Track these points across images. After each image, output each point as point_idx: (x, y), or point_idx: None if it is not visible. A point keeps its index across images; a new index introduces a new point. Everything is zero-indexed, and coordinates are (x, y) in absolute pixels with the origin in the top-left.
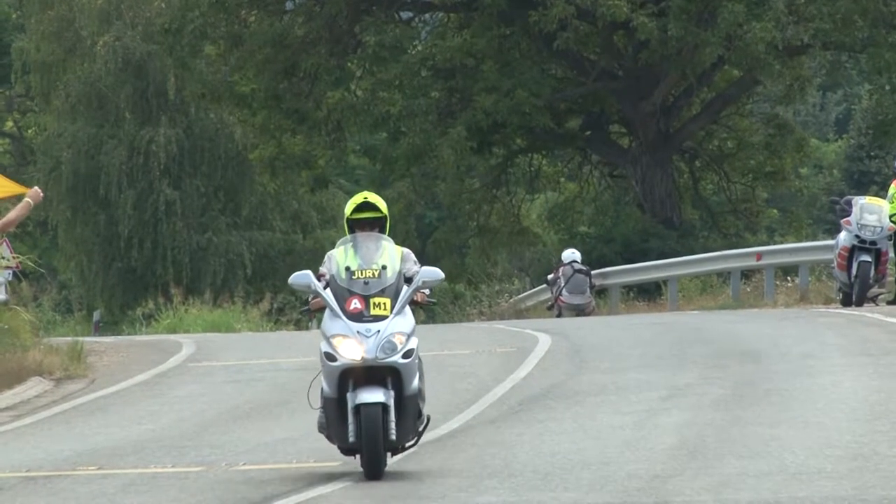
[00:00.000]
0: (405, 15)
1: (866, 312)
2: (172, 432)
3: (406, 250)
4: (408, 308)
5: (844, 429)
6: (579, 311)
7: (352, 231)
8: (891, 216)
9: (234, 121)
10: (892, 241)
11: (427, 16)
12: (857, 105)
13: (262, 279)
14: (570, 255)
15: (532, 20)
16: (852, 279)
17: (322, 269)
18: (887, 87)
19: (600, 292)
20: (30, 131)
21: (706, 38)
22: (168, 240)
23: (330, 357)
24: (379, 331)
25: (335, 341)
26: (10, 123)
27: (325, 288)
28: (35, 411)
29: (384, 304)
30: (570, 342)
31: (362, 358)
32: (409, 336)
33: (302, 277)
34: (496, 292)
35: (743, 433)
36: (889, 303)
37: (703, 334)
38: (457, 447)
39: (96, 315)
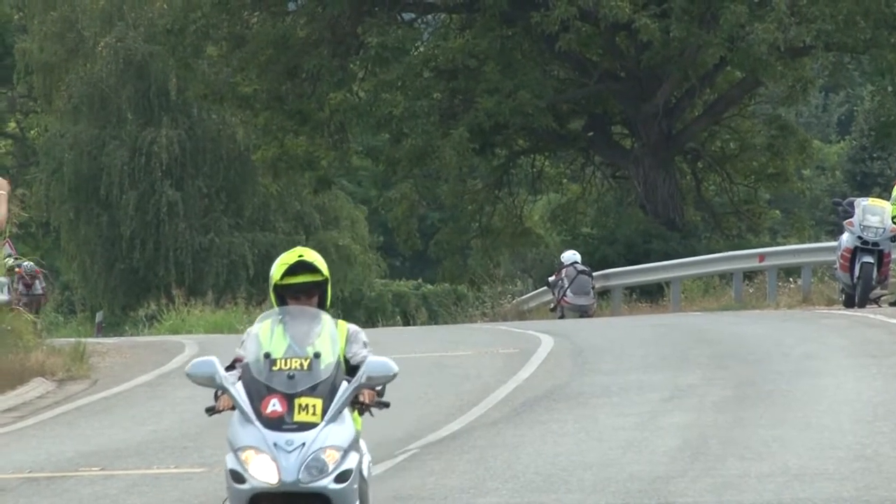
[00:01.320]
0: (407, 16)
1: (869, 314)
2: (175, 433)
3: (353, 328)
4: (347, 413)
5: (847, 430)
6: (583, 312)
7: (282, 301)
8: (893, 217)
9: (237, 122)
10: (895, 243)
11: (429, 17)
12: (859, 106)
13: (264, 280)
14: (572, 256)
15: (534, 21)
16: (855, 280)
17: (239, 352)
18: (889, 89)
19: (602, 293)
20: (32, 132)
21: (708, 40)
22: (170, 241)
23: (237, 477)
24: (304, 443)
25: (244, 456)
26: (12, 124)
27: (239, 379)
28: (37, 412)
29: (314, 406)
30: (572, 343)
31: (279, 481)
32: (345, 452)
33: (203, 366)
34: (499, 293)
35: (745, 434)
36: (892, 304)
37: (705, 335)
38: (459, 448)
39: (99, 316)
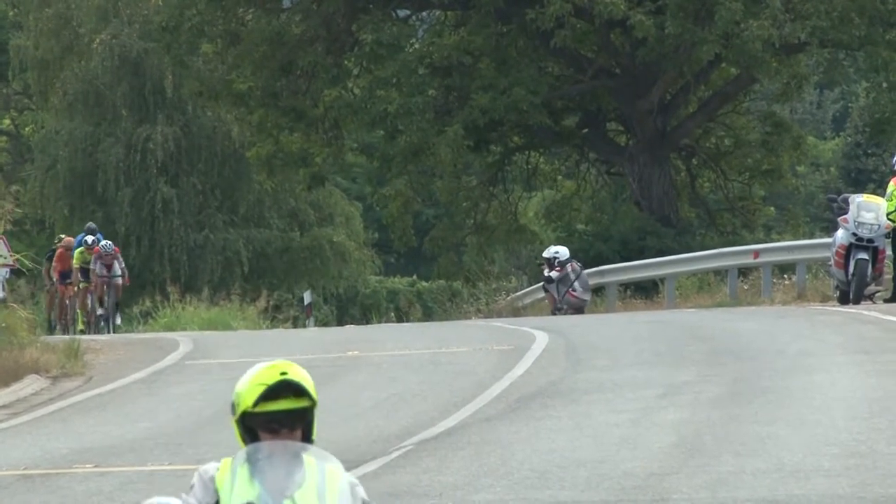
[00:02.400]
0: (402, 13)
1: (863, 310)
2: (169, 430)
3: (351, 480)
4: None
5: (842, 426)
6: (580, 307)
7: (252, 436)
8: (889, 213)
9: (232, 119)
10: (889, 239)
11: (424, 14)
12: (854, 103)
13: (258, 277)
14: (566, 252)
15: (529, 18)
16: (849, 277)
17: (190, 501)
18: (884, 85)
19: (597, 290)
20: (27, 129)
21: (703, 36)
22: (165, 238)
23: None
24: None
25: None
26: (7, 121)
27: None
28: (32, 409)
29: None
30: (567, 340)
31: None
32: None
33: None
34: (493, 290)
35: (740, 431)
36: (886, 300)
37: (700, 332)
38: (454, 445)
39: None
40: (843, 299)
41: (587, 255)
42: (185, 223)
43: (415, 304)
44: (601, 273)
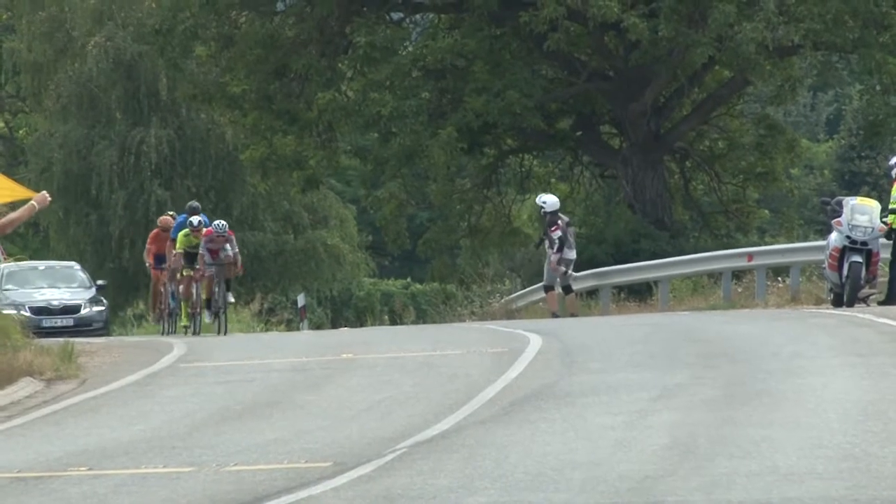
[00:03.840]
0: (396, 16)
1: (857, 313)
2: (163, 433)
3: None
4: None
5: (836, 429)
6: (569, 266)
7: None
8: (884, 216)
9: (225, 121)
10: (891, 241)
11: (418, 16)
12: (847, 105)
13: (252, 280)
14: (556, 201)
15: (523, 21)
16: (843, 280)
17: None
18: (878, 88)
19: (591, 293)
20: (21, 132)
21: (697, 39)
22: None
23: None
24: None
25: None
26: (0, 124)
27: None
28: (26, 412)
29: None
30: (561, 343)
31: None
32: None
33: None
34: (487, 293)
35: (734, 433)
36: (881, 303)
37: (694, 335)
38: (448, 448)
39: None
40: (837, 302)
41: (581, 259)
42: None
43: (409, 306)
44: (595, 276)
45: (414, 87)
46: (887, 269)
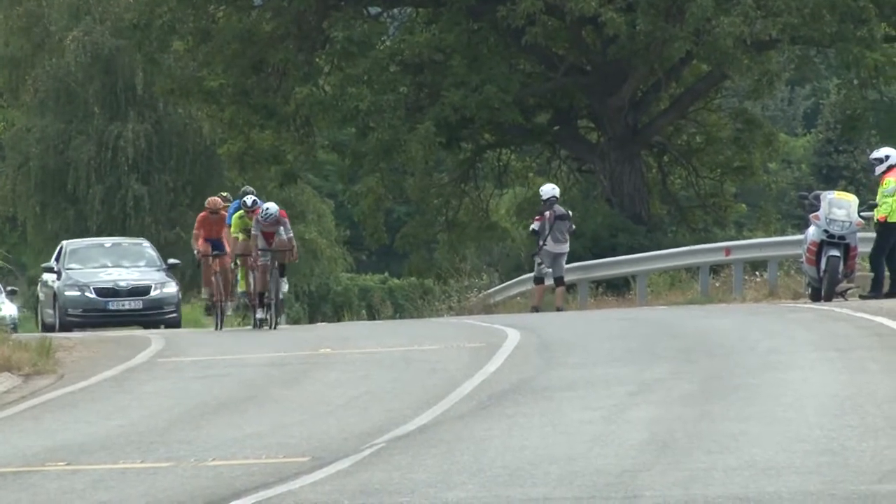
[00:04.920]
0: (373, 10)
1: (835, 307)
2: (141, 428)
3: None
4: None
5: (813, 423)
6: (555, 259)
7: None
8: (860, 210)
9: (203, 116)
10: (877, 234)
11: (395, 11)
12: (825, 100)
13: None
14: (551, 190)
15: (500, 15)
16: (821, 274)
17: None
18: (855, 82)
19: (569, 287)
20: None
21: (674, 33)
22: (136, 235)
23: None
24: None
25: None
26: None
27: None
28: (3, 407)
29: None
30: (539, 337)
31: None
32: None
33: None
34: (465, 287)
35: (712, 428)
36: (862, 297)
37: (672, 329)
38: (426, 443)
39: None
40: (815, 296)
41: None
42: (157, 220)
43: (386, 301)
44: (573, 270)
45: (392, 82)
46: (865, 263)
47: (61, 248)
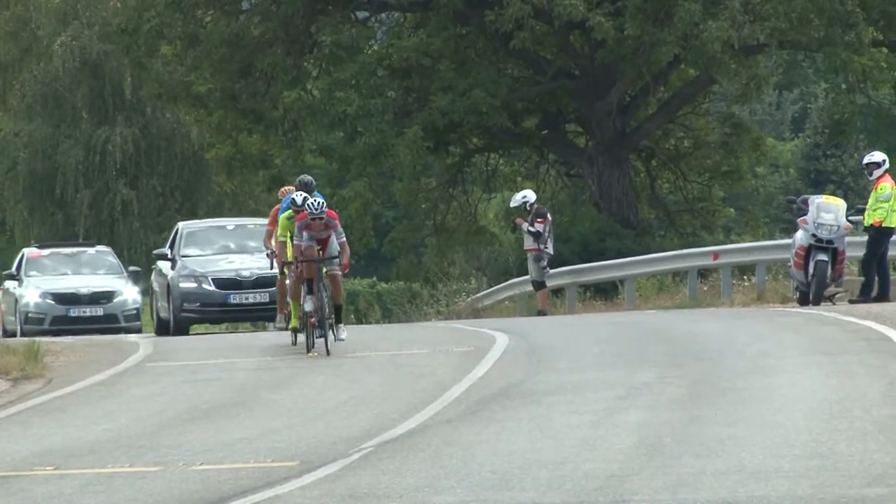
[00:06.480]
0: (361, 15)
1: (823, 311)
2: (129, 432)
3: None
4: None
5: (802, 427)
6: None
7: None
8: (847, 214)
9: (191, 120)
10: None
11: (383, 15)
12: (813, 104)
13: None
14: (532, 194)
15: (488, 20)
16: (809, 278)
17: None
18: (843, 86)
19: (556, 292)
20: None
21: (662, 38)
22: (125, 240)
23: None
24: None
25: None
26: None
27: None
28: None
29: None
30: (527, 341)
31: None
32: None
33: None
34: (453, 291)
35: (700, 432)
36: (852, 301)
37: (660, 334)
38: (414, 447)
39: None
40: (803, 300)
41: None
42: (145, 225)
43: (374, 305)
44: (561, 275)
45: (379, 86)
46: (853, 267)
47: (177, 231)
